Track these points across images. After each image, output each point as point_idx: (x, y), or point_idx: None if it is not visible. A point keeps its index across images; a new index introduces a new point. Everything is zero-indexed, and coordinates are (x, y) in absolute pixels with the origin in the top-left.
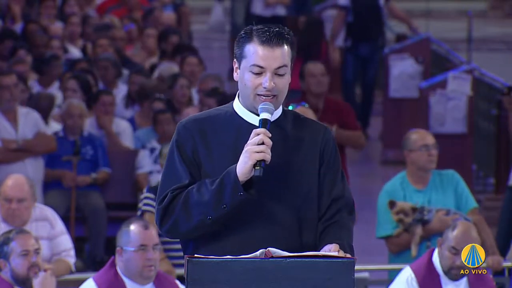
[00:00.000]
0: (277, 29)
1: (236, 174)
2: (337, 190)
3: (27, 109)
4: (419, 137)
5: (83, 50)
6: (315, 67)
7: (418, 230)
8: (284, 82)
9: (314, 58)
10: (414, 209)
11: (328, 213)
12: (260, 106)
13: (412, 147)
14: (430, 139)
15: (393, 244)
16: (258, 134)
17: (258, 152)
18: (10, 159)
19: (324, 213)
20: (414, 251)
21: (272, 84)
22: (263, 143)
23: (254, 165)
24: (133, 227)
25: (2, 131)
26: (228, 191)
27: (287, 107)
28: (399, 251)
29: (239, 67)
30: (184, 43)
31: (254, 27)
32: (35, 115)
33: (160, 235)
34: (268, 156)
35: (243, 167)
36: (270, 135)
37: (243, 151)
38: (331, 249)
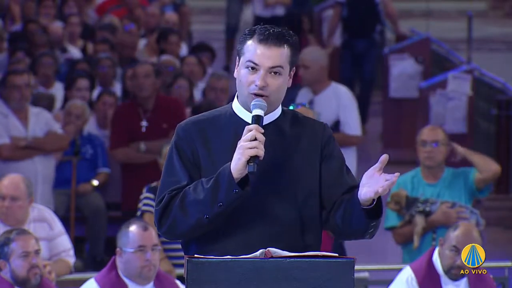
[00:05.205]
0: (279, 30)
1: (231, 171)
2: (351, 179)
3: (38, 109)
4: (422, 133)
5: (83, 50)
6: (140, 69)
7: (421, 221)
8: (278, 83)
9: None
10: (409, 199)
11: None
12: (252, 103)
13: (417, 142)
14: (427, 135)
15: (397, 235)
16: (251, 131)
17: (250, 148)
18: (19, 156)
19: (341, 195)
20: (416, 242)
21: (264, 83)
22: (255, 139)
23: (248, 162)
24: (132, 228)
25: (12, 129)
26: (223, 189)
27: (288, 108)
28: (403, 242)
29: (239, 64)
30: (204, 43)
31: (258, 26)
32: (46, 115)
33: (160, 236)
34: (261, 152)
35: (237, 163)
36: (262, 131)
37: (237, 148)
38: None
